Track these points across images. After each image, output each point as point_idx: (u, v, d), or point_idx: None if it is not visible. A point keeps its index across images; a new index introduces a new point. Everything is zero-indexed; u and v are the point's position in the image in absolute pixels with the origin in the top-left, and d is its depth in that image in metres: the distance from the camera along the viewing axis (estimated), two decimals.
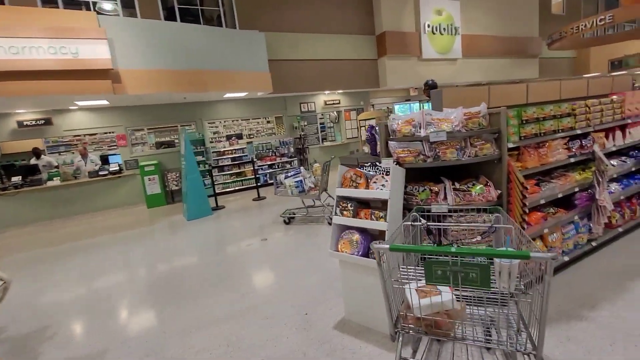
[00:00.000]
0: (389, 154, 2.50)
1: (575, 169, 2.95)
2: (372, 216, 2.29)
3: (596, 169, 2.84)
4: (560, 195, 2.68)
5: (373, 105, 10.68)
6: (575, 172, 2.86)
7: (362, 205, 2.47)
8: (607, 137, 3.07)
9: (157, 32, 6.20)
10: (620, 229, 3.28)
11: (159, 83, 6.19)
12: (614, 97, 3.10)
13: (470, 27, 10.37)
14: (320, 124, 10.57)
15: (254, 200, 7.56)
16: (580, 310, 2.31)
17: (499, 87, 3.11)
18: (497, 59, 11.38)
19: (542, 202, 2.57)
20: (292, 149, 9.68)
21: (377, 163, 2.59)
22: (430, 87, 5.92)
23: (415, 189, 2.42)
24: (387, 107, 11.60)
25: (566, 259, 2.80)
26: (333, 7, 8.57)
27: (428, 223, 1.86)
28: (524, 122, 2.38)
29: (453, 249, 1.17)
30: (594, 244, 3.04)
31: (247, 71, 7.03)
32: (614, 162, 3.19)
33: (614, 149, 3.10)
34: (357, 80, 9.23)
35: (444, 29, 9.50)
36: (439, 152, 2.27)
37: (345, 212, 2.42)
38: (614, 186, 3.19)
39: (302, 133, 9.97)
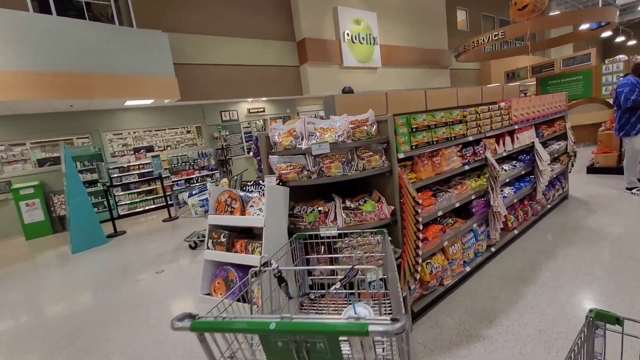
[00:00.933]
0: (272, 171, 2.14)
1: (472, 175, 2.94)
2: (248, 247, 1.88)
3: (489, 175, 2.85)
4: (457, 205, 2.59)
5: (298, 112, 10.47)
6: (471, 179, 2.83)
7: (242, 234, 2.06)
8: (498, 142, 3.13)
9: (25, 26, 5.09)
10: (515, 231, 3.39)
11: (28, 87, 5.06)
12: (502, 104, 3.18)
13: (387, 38, 10.82)
14: (245, 133, 9.98)
15: (164, 221, 6.67)
16: (479, 328, 2.19)
17: (398, 94, 2.99)
18: (413, 68, 12.07)
19: (440, 213, 2.44)
20: (212, 161, 8.92)
21: (261, 182, 2.20)
22: (347, 94, 5.84)
23: (304, 209, 2.09)
24: (315, 115, 11.49)
25: (468, 269, 2.73)
26: (250, 11, 8.15)
27: (281, 267, 1.45)
28: (415, 130, 2.21)
29: (272, 326, 0.80)
30: (493, 249, 3.05)
31: (147, 75, 6.20)
32: (505, 166, 3.29)
33: (505, 154, 3.18)
34: (280, 87, 8.90)
35: (363, 38, 9.73)
36: (323, 166, 1.96)
37: (218, 246, 1.98)
38: (508, 190, 3.27)
39: (224, 143, 9.27)
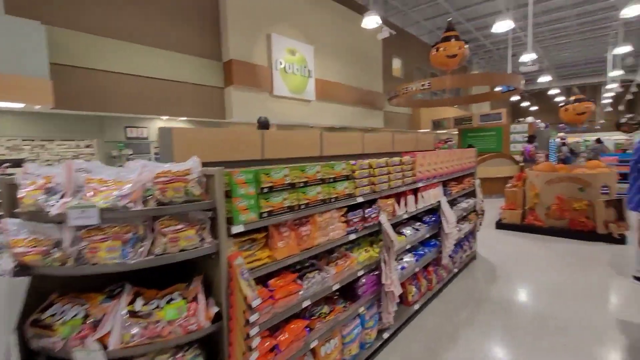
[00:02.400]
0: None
1: (362, 244, 2.38)
2: None
3: (384, 244, 2.32)
4: (336, 287, 1.97)
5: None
6: (360, 250, 2.27)
7: None
8: (398, 202, 2.68)
9: None
10: (416, 306, 2.90)
11: None
12: (406, 157, 2.78)
13: (324, 73, 10.74)
14: (156, 154, 8.71)
15: None
16: None
17: (281, 134, 2.39)
18: (349, 106, 12.15)
19: (308, 303, 1.77)
20: None
21: None
22: (262, 126, 5.20)
23: (62, 312, 1.25)
24: None
25: None
26: (169, 19, 7.30)
27: None
28: (268, 190, 1.57)
29: None
30: (386, 334, 2.47)
31: (13, 74, 4.89)
32: (407, 230, 2.83)
33: (406, 216, 2.73)
34: (201, 108, 8.00)
35: (297, 69, 9.46)
36: (85, 247, 1.17)
37: None
38: (408, 258, 2.80)
39: (120, 165, 7.88)
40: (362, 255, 2.21)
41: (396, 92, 10.45)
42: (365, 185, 2.23)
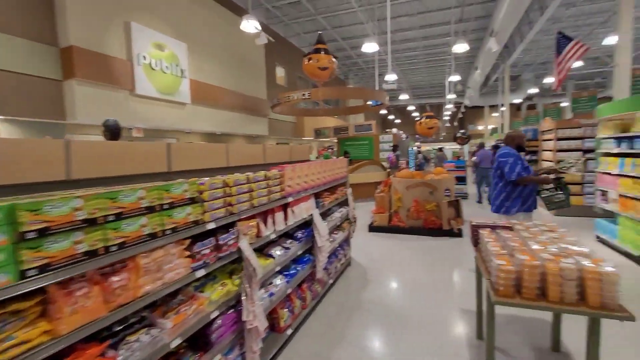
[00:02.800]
0: None
1: (220, 276, 2.02)
2: None
3: (245, 273, 2.01)
4: (176, 344, 1.54)
5: None
6: (215, 285, 1.90)
7: None
8: (265, 221, 2.42)
9: None
10: (289, 331, 2.69)
11: None
12: (273, 171, 2.55)
13: (201, 74, 9.86)
14: None
15: None
16: None
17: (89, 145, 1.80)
18: (231, 112, 11.52)
19: None
20: None
21: None
22: (109, 130, 4.21)
23: None
24: None
25: None
26: None
27: None
28: (37, 234, 1.05)
29: None
30: None
31: None
32: (277, 251, 2.61)
33: (274, 236, 2.49)
34: (26, 104, 6.08)
35: (167, 67, 8.35)
36: None
37: None
38: (278, 281, 2.57)
39: None
40: (217, 292, 1.84)
41: (278, 99, 10.43)
42: (219, 208, 1.88)
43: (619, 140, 4.78)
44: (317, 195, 3.57)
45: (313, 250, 3.20)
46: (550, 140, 7.73)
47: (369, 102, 12.71)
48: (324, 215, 3.82)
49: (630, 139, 4.49)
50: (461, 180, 9.74)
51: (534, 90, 22.17)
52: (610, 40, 10.57)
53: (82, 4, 6.57)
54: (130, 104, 7.63)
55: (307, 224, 3.19)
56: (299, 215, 2.91)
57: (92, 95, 6.77)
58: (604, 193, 5.16)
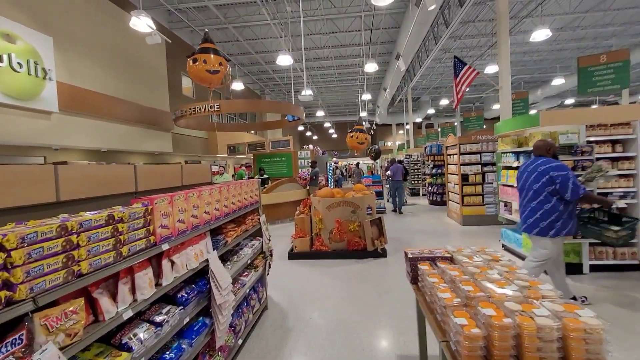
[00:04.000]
0: None
1: None
2: None
3: None
4: None
5: None
6: None
7: None
8: (113, 292, 1.48)
9: None
10: None
11: None
12: (135, 205, 1.65)
13: (78, 78, 7.96)
14: None
15: None
16: None
17: None
18: (124, 125, 9.64)
19: None
20: None
21: None
22: None
23: None
24: None
25: None
26: None
27: None
28: None
29: None
30: None
31: None
32: (142, 332, 1.65)
33: (131, 313, 1.55)
34: None
35: (20, 64, 6.39)
36: None
37: None
38: None
39: None
40: None
41: (182, 111, 9.11)
42: None
43: (516, 154, 5.13)
44: (217, 231, 2.71)
45: (211, 309, 2.31)
46: (454, 154, 8.29)
47: (287, 117, 12.24)
48: (228, 255, 2.96)
49: (527, 153, 4.82)
50: (379, 195, 9.85)
51: (431, 111, 24.99)
52: (491, 69, 12.32)
53: None
54: None
55: (200, 273, 2.29)
56: (185, 266, 2.02)
57: None
58: (506, 204, 5.48)
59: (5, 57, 6.16)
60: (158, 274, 1.81)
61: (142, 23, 7.09)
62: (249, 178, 10.57)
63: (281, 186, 9.55)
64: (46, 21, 7.14)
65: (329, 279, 4.67)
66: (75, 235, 1.27)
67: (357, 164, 15.42)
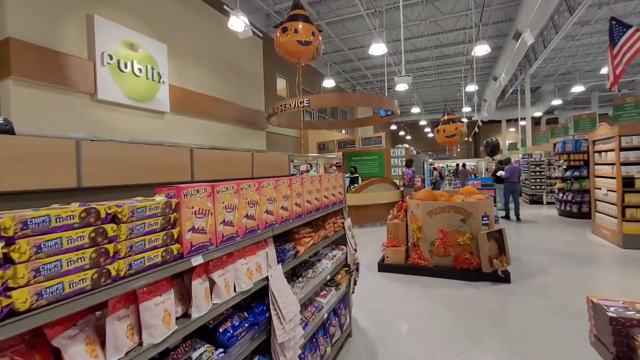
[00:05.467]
0: None
1: None
2: None
3: None
4: None
5: None
6: None
7: None
8: (102, 344, 0.92)
9: None
10: None
11: None
12: (158, 198, 1.09)
13: (186, 81, 8.69)
14: None
15: None
16: None
17: None
18: (223, 123, 10.28)
19: None
20: None
21: None
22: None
23: None
24: None
25: None
26: None
27: None
28: None
29: None
30: None
31: None
32: None
33: (153, 353, 0.98)
34: None
35: (140, 69, 7.17)
36: None
37: None
38: None
39: None
40: None
41: (274, 109, 9.14)
42: None
43: None
44: (284, 237, 2.07)
45: (272, 345, 1.66)
46: (608, 151, 6.10)
47: (379, 112, 11.32)
48: (300, 269, 2.30)
49: None
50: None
51: (557, 102, 20.51)
52: None
53: None
54: (90, 110, 6.40)
55: (258, 294, 1.67)
56: (231, 287, 1.40)
57: (35, 98, 5.54)
58: None
59: (129, 64, 6.97)
60: (188, 300, 1.23)
61: (239, 21, 7.22)
62: None
63: (371, 186, 8.70)
64: (161, 30, 7.90)
65: (429, 303, 3.64)
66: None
67: (463, 165, 13.42)
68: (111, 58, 6.61)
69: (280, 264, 1.78)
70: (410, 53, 15.70)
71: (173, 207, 1.14)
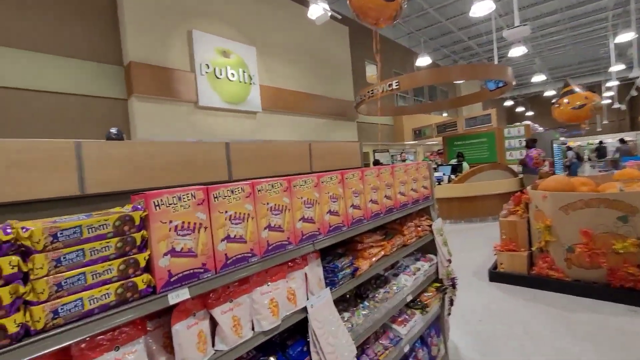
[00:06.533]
0: None
1: None
2: None
3: None
4: None
5: None
6: None
7: None
8: None
9: None
10: None
11: None
12: (115, 210, 0.78)
13: (275, 79, 8.95)
14: None
15: None
16: None
17: None
18: (314, 118, 10.30)
19: None
20: None
21: None
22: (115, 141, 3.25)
23: None
24: None
25: None
26: (41, 13, 5.51)
27: None
28: None
29: None
30: None
31: None
32: None
33: None
34: (96, 126, 6.09)
35: (233, 74, 7.65)
36: None
37: None
38: None
39: None
40: None
41: (361, 96, 8.61)
42: None
43: None
44: (344, 247, 1.60)
45: None
46: None
47: (486, 85, 9.51)
48: (366, 289, 1.77)
49: None
50: None
51: None
52: None
53: (140, 18, 6.31)
54: (194, 117, 7.13)
55: (298, 329, 1.26)
56: (245, 326, 1.02)
57: (150, 111, 6.42)
58: None
59: (223, 70, 7.50)
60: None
61: (318, 8, 6.95)
62: (438, 167, 8.88)
63: (480, 174, 7.32)
64: (249, 33, 8.27)
65: (566, 334, 2.61)
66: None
67: (622, 140, 10.31)
68: (208, 67, 7.22)
69: (329, 288, 1.33)
70: (527, 8, 12.74)
71: (137, 222, 0.81)
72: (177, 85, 6.74)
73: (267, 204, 1.12)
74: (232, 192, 1.01)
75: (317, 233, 1.30)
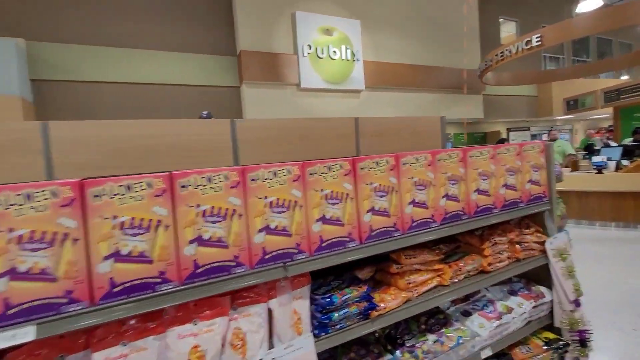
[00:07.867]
0: None
1: None
2: None
3: None
4: None
5: None
6: None
7: None
8: None
9: None
10: None
11: None
12: None
13: (381, 53, 8.21)
14: None
15: None
16: None
17: None
18: (425, 92, 9.12)
19: None
20: None
21: None
22: None
23: None
24: None
25: None
26: (166, 15, 6.44)
27: None
28: None
29: None
30: None
31: None
32: None
33: None
34: (214, 112, 6.88)
35: (335, 52, 7.32)
36: None
37: None
38: None
39: None
40: None
41: (487, 62, 6.99)
42: None
43: None
44: (378, 267, 1.09)
45: None
46: None
47: None
48: (401, 338, 1.19)
49: None
50: None
51: None
52: None
53: (250, 7, 6.66)
54: (297, 99, 7.23)
55: None
56: None
57: (257, 95, 6.80)
58: None
59: (325, 50, 7.30)
60: None
61: None
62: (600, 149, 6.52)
63: None
64: (353, 6, 7.75)
65: None
66: None
67: None
68: (310, 48, 7.13)
69: (311, 335, 0.88)
70: None
71: None
72: (282, 69, 6.92)
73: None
74: (151, 184, 0.69)
75: (294, 251, 0.86)
